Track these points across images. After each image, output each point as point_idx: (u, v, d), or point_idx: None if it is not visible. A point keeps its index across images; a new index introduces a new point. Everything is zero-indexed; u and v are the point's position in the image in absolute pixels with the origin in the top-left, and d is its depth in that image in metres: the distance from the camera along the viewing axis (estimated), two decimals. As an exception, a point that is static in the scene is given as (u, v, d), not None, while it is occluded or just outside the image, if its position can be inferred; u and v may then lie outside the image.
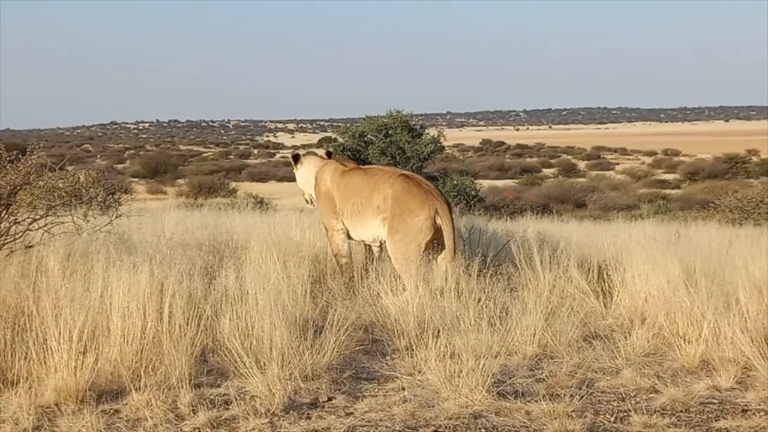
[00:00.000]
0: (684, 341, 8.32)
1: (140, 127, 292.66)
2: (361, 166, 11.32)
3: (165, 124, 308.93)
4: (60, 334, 7.15)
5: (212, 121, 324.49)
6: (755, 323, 8.50)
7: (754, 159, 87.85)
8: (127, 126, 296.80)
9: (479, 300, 9.15)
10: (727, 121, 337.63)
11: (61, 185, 11.44)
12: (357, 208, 10.77)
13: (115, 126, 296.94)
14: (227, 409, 6.85)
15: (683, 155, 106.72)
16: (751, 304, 8.81)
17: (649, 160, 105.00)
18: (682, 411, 6.96)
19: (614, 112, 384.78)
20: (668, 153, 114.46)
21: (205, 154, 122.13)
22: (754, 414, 6.88)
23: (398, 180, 10.58)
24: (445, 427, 6.56)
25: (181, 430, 6.48)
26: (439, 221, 10.18)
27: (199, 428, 6.52)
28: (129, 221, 13.99)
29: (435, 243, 10.36)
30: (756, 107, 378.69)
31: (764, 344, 7.99)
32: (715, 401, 7.18)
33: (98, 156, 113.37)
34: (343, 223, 11.01)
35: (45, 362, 7.10)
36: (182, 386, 7.05)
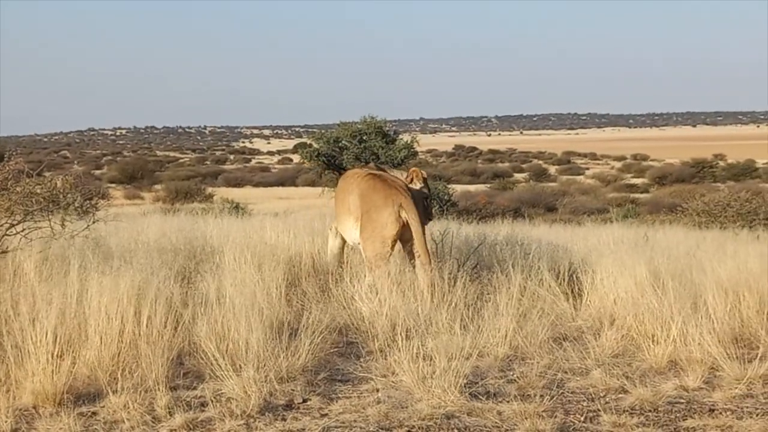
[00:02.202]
0: (652, 342, 8.36)
1: (117, 134, 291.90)
2: (357, 171, 11.18)
3: (142, 131, 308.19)
4: (37, 337, 7.14)
5: (189, 128, 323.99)
6: (722, 325, 8.55)
7: (721, 163, 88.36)
8: (105, 132, 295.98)
9: (451, 302, 9.16)
10: (694, 126, 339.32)
11: (38, 191, 11.41)
12: (339, 211, 10.82)
13: (92, 132, 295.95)
14: (203, 411, 6.84)
15: (652, 160, 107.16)
16: (718, 306, 8.86)
17: (618, 164, 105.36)
18: (650, 410, 6.98)
19: (584, 117, 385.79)
20: (637, 158, 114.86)
21: (181, 160, 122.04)
22: (721, 413, 6.91)
23: (364, 179, 10.62)
24: (419, 428, 6.57)
25: (157, 431, 6.47)
26: (404, 215, 10.16)
27: (175, 430, 6.51)
28: (106, 226, 13.95)
29: (408, 243, 10.42)
30: (723, 113, 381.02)
31: (731, 345, 8.04)
32: (682, 401, 7.21)
33: (76, 162, 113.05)
34: (336, 228, 11.06)
35: (23, 365, 7.08)
36: (159, 389, 7.02)
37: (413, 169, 11.11)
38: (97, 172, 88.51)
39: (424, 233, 10.18)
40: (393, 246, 10.32)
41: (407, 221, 10.12)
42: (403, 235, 10.29)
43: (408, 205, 10.18)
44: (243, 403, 6.89)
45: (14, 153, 12.11)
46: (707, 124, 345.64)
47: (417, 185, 10.80)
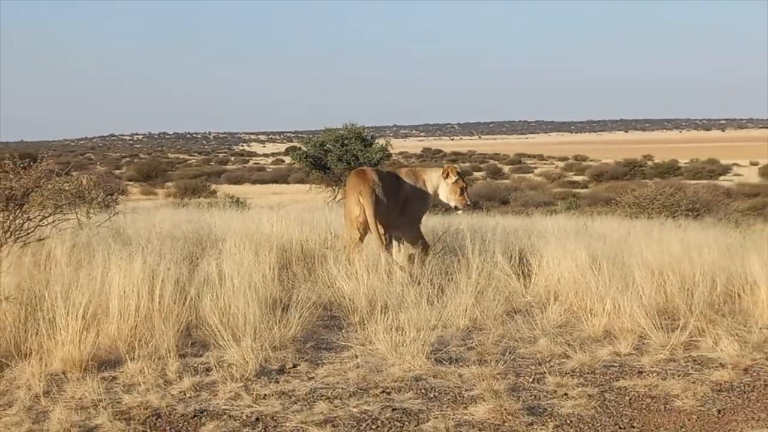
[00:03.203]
0: (590, 315, 8.38)
1: (135, 139, 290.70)
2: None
3: (156, 136, 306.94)
4: (66, 313, 7.11)
5: (196, 133, 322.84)
6: (649, 299, 8.58)
7: (649, 163, 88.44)
8: (124, 138, 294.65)
9: (419, 282, 9.17)
10: (626, 131, 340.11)
11: (66, 188, 11.40)
12: None
13: (113, 138, 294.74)
14: (208, 375, 6.83)
15: (590, 160, 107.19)
16: (646, 284, 8.88)
17: (562, 164, 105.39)
18: (588, 373, 7.01)
19: (533, 124, 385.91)
20: (578, 158, 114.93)
21: (189, 161, 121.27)
22: (647, 375, 6.94)
23: (351, 174, 10.78)
24: (392, 389, 6.58)
25: (169, 393, 6.45)
26: (361, 201, 10.24)
27: (184, 392, 6.50)
28: (125, 218, 13.92)
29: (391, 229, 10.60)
30: (651, 120, 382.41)
31: (657, 317, 8.06)
32: (615, 364, 7.23)
33: (99, 163, 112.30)
34: None
35: (54, 337, 7.06)
36: (170, 356, 7.04)
37: (447, 165, 11.24)
38: (117, 171, 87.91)
39: (376, 220, 10.20)
40: (361, 229, 10.39)
41: (371, 207, 10.20)
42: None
43: (366, 193, 10.25)
44: (242, 368, 6.88)
45: (46, 155, 12.09)
46: (637, 130, 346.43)
47: (452, 179, 10.94)
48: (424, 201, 11.06)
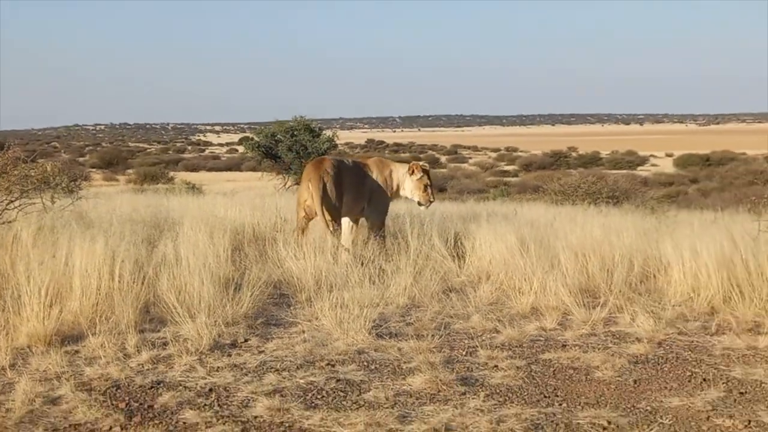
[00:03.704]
0: (519, 293, 8.43)
1: (97, 129, 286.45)
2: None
3: (117, 126, 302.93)
4: (31, 291, 7.04)
5: (155, 124, 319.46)
6: (572, 279, 8.65)
7: (573, 154, 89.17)
8: (87, 127, 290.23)
9: (363, 263, 9.18)
10: (553, 125, 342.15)
11: (32, 174, 11.31)
12: None
13: (77, 127, 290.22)
14: (165, 349, 6.79)
15: (520, 151, 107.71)
16: (569, 265, 8.97)
17: (494, 155, 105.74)
18: (516, 346, 7.05)
19: (468, 117, 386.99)
20: (509, 150, 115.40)
21: (149, 150, 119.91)
22: (570, 348, 7.00)
23: (308, 163, 10.85)
24: (336, 361, 6.58)
25: (128, 366, 6.40)
26: (310, 188, 10.24)
27: (142, 364, 6.46)
28: (88, 202, 13.77)
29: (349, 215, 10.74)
30: (575, 115, 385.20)
31: (579, 295, 8.14)
32: (541, 339, 7.29)
33: (63, 151, 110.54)
34: None
35: (19, 313, 6.98)
36: (129, 332, 6.99)
37: (413, 162, 11.14)
38: (81, 159, 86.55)
39: (323, 207, 10.19)
40: (308, 215, 10.42)
41: (322, 194, 10.21)
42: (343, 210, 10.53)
43: (314, 182, 10.25)
44: (197, 343, 6.86)
45: (13, 143, 11.96)
46: (563, 124, 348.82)
47: (417, 175, 10.84)
48: (387, 191, 10.98)
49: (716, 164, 68.50)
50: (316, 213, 10.21)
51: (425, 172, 10.93)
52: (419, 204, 11.03)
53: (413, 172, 10.85)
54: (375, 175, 10.86)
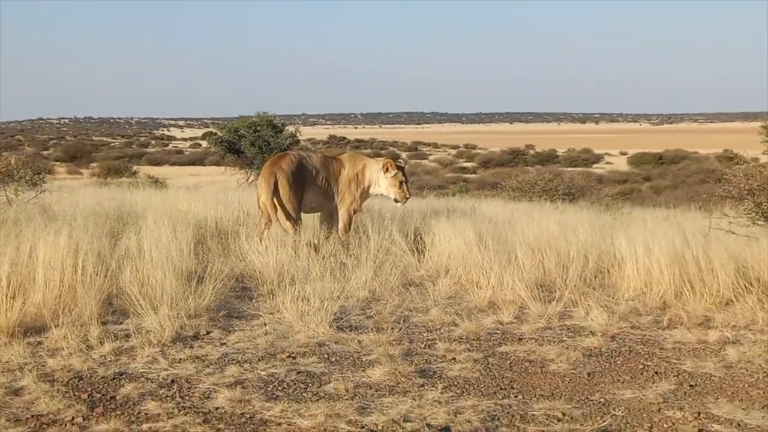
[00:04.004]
0: (477, 287, 8.45)
1: (62, 122, 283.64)
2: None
3: (81, 120, 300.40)
4: (-6, 282, 6.97)
5: (119, 118, 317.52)
6: (529, 274, 8.69)
7: (531, 152, 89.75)
8: (51, 121, 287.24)
9: (324, 257, 9.17)
10: (511, 123, 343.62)
11: (-4, 166, 11.15)
12: None
13: (41, 121, 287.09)
14: (128, 341, 6.73)
15: (479, 149, 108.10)
16: (526, 260, 9.01)
17: (453, 152, 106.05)
18: (474, 339, 7.07)
19: (428, 115, 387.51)
20: (468, 147, 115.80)
21: (113, 144, 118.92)
22: (527, 341, 7.04)
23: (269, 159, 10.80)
24: (297, 353, 6.56)
25: (90, 357, 6.35)
26: (263, 185, 10.35)
27: (105, 356, 6.41)
28: (51, 195, 13.64)
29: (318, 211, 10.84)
30: (533, 113, 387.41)
31: (535, 289, 8.17)
32: (498, 332, 7.31)
33: (27, 144, 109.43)
34: None
35: (-19, 305, 6.90)
36: (92, 323, 6.94)
37: (387, 159, 11.00)
38: (45, 152, 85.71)
39: (275, 203, 10.26)
40: (263, 208, 10.41)
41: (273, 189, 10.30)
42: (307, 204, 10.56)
43: (265, 178, 10.35)
44: (159, 335, 6.81)
45: (-24, 137, 11.81)
46: (521, 122, 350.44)
47: (392, 172, 10.72)
48: (358, 187, 10.85)
49: (669, 163, 69.17)
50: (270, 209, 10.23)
51: (400, 168, 10.82)
52: (395, 201, 10.90)
53: (387, 169, 10.74)
54: (347, 170, 10.79)
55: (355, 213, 10.76)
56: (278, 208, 10.23)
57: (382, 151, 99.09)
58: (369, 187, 10.88)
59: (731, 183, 13.24)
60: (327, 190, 10.61)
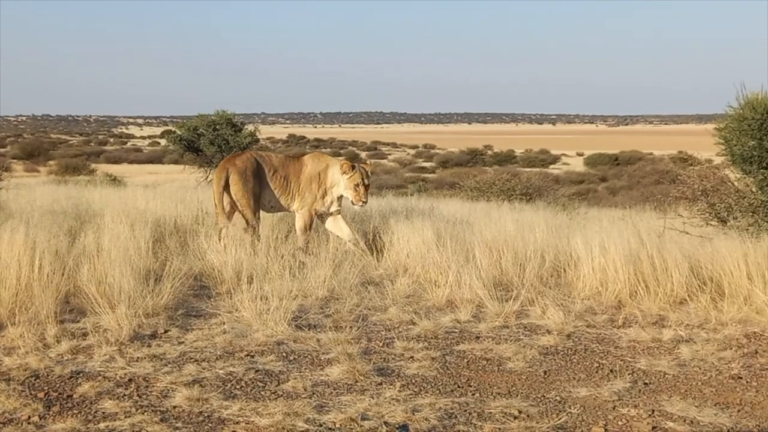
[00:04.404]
0: (435, 286, 8.47)
1: (19, 120, 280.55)
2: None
3: (39, 118, 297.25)
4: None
5: (77, 116, 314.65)
6: (487, 273, 8.72)
7: (489, 152, 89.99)
8: (9, 119, 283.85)
9: (283, 256, 9.14)
10: (470, 123, 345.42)
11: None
12: None
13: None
14: (85, 339, 6.69)
15: (438, 149, 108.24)
16: (484, 259, 9.04)
17: (412, 152, 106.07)
18: (432, 338, 7.09)
19: (387, 115, 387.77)
20: (427, 147, 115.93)
21: (71, 142, 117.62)
22: (484, 340, 7.06)
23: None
24: (255, 352, 6.55)
25: (47, 356, 6.29)
26: (216, 184, 10.39)
27: (62, 354, 6.35)
28: (8, 193, 13.48)
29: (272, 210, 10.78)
30: (491, 114, 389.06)
31: (493, 288, 8.20)
32: (456, 330, 7.33)
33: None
34: None
35: (-63, 304, 6.80)
36: (49, 322, 6.89)
37: (343, 161, 10.81)
38: (2, 150, 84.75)
39: (221, 200, 10.31)
40: (220, 205, 10.38)
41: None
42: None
43: (215, 175, 10.44)
44: (117, 333, 6.77)
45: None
46: (479, 122, 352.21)
47: (347, 174, 10.45)
48: (320, 187, 10.65)
49: (624, 163, 69.72)
50: (237, 208, 10.24)
51: (353, 170, 10.54)
52: (352, 203, 10.65)
53: (344, 171, 10.55)
54: (308, 170, 10.67)
55: (316, 213, 10.64)
56: (231, 205, 10.25)
57: (342, 151, 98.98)
58: (332, 187, 10.67)
59: (685, 184, 13.37)
60: (287, 190, 10.54)
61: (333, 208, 10.70)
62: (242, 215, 10.27)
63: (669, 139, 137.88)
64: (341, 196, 10.67)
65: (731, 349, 6.86)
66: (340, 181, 10.54)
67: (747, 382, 6.13)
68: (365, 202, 10.65)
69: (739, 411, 5.52)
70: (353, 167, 10.53)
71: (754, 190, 10.96)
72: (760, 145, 10.07)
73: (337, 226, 10.66)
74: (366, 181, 10.63)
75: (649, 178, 47.41)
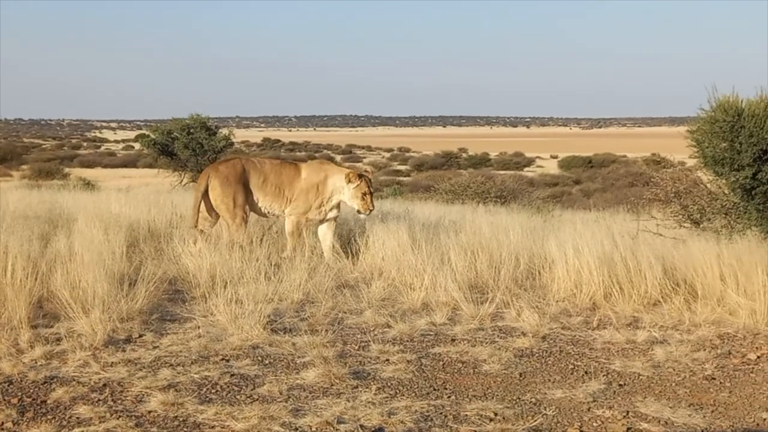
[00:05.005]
0: (410, 289, 8.47)
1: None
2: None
3: (12, 122, 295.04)
4: None
5: (50, 120, 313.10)
6: (462, 275, 8.75)
7: (464, 155, 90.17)
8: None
9: (258, 259, 9.12)
10: (444, 126, 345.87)
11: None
12: None
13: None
14: (59, 344, 6.63)
15: (413, 152, 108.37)
16: (459, 262, 9.06)
17: (387, 155, 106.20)
18: (407, 340, 7.09)
19: (362, 118, 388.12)
20: (402, 150, 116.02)
21: (44, 146, 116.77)
22: (459, 342, 7.07)
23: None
24: (231, 356, 6.52)
25: (21, 361, 6.24)
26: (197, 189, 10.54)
27: (35, 360, 6.30)
28: (-20, 198, 13.37)
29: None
30: (465, 117, 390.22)
31: (468, 291, 8.21)
32: (432, 333, 7.34)
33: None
34: None
35: None
36: (22, 327, 6.85)
37: (350, 170, 10.66)
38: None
39: (198, 204, 10.46)
40: (195, 209, 10.52)
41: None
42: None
43: (198, 184, 10.57)
44: (91, 338, 6.72)
45: None
46: (454, 125, 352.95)
47: (354, 183, 10.39)
48: (318, 196, 10.57)
49: (598, 166, 70.10)
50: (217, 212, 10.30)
51: (361, 179, 10.48)
52: (358, 212, 10.60)
53: (350, 180, 10.46)
54: (304, 178, 10.52)
55: (307, 221, 10.50)
56: (210, 210, 10.30)
57: (317, 154, 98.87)
58: (332, 195, 10.58)
59: (659, 186, 13.47)
60: (282, 196, 10.47)
61: (331, 215, 10.68)
62: (224, 220, 10.30)
63: (642, 142, 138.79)
64: (340, 202, 10.66)
65: (705, 350, 6.91)
66: (345, 190, 10.47)
67: (720, 382, 6.18)
68: (372, 210, 10.62)
69: (712, 411, 5.56)
70: (360, 176, 10.43)
71: (726, 192, 11.03)
72: (731, 147, 10.14)
73: (323, 234, 10.63)
74: (371, 189, 10.62)
75: (623, 180, 47.67)
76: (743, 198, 10.54)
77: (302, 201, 10.49)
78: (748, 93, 10.42)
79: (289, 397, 5.66)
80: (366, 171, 10.92)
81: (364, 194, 10.47)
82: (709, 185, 11.75)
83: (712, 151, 10.33)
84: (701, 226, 11.75)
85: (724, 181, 10.81)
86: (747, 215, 10.55)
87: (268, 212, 10.59)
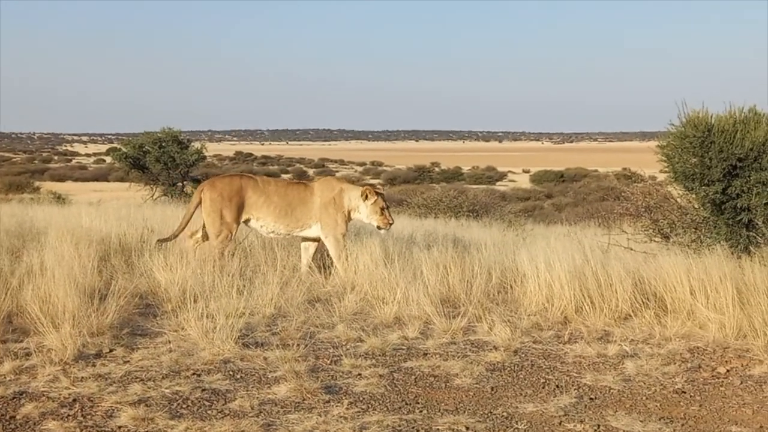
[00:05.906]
0: (382, 303, 8.47)
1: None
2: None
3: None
4: None
5: (21, 133, 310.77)
6: (434, 289, 8.74)
7: (436, 169, 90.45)
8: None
9: (230, 273, 9.09)
10: (417, 141, 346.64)
11: None
12: None
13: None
14: (28, 359, 6.58)
15: (385, 166, 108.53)
16: (431, 276, 9.06)
17: (360, 168, 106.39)
18: (380, 355, 7.08)
19: (335, 132, 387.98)
20: (374, 164, 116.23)
21: (14, 159, 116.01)
22: (431, 356, 7.07)
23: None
24: (202, 371, 6.49)
25: (-11, 377, 6.19)
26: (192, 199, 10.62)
27: (4, 375, 6.25)
28: (-52, 212, 13.25)
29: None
30: (438, 131, 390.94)
31: (440, 305, 8.22)
32: (404, 347, 7.34)
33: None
34: None
35: None
36: (-9, 342, 6.78)
37: (366, 187, 10.52)
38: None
39: (188, 219, 10.48)
40: (184, 221, 10.52)
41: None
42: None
43: (192, 200, 10.60)
44: (61, 353, 6.67)
45: None
46: (426, 140, 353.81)
47: (371, 199, 10.30)
48: (338, 211, 10.42)
49: (570, 180, 70.56)
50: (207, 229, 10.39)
51: (378, 195, 10.44)
52: (378, 228, 10.51)
53: (367, 196, 10.34)
54: (318, 196, 10.29)
55: (343, 237, 10.38)
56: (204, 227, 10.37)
57: (289, 168, 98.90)
58: (349, 212, 10.48)
59: (629, 200, 13.55)
60: (291, 216, 10.34)
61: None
62: (209, 234, 10.26)
63: (613, 156, 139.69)
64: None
65: (675, 363, 6.95)
66: (361, 208, 10.40)
67: (690, 396, 6.22)
68: (392, 224, 10.64)
69: (683, 425, 5.59)
70: (376, 192, 10.42)
71: (696, 206, 11.12)
72: (701, 162, 10.23)
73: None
74: (387, 204, 10.63)
75: (594, 194, 48.00)
76: (713, 212, 10.64)
77: (326, 216, 10.34)
78: (718, 108, 10.53)
79: (261, 412, 5.64)
80: (379, 187, 10.93)
81: (383, 209, 10.41)
82: (679, 200, 11.84)
83: (683, 166, 10.42)
84: (671, 240, 11.82)
85: (694, 195, 10.90)
86: (716, 230, 10.64)
87: (272, 231, 10.43)
